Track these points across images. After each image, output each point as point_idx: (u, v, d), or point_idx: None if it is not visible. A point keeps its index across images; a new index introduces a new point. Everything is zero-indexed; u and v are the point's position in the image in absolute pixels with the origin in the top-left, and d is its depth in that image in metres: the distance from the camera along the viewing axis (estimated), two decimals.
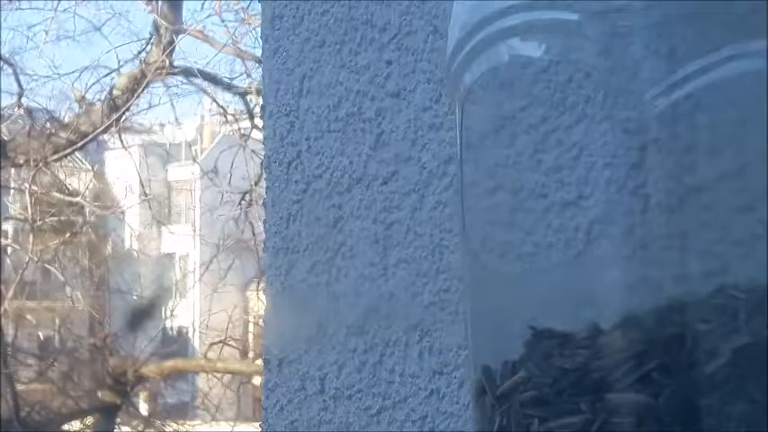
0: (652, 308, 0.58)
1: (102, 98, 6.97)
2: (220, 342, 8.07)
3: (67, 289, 8.46)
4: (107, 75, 7.12)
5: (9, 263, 7.93)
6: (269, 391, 1.00)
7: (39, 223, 7.34)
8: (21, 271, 7.51)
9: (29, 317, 8.62)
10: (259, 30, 1.09)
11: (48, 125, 7.14)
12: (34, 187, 7.10)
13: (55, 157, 6.96)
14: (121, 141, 7.60)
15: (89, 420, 7.91)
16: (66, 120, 7.18)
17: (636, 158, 0.60)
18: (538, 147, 0.64)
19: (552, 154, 0.64)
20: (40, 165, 6.86)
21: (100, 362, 7.76)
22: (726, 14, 0.59)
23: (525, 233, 0.66)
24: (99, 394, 7.58)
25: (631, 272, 0.59)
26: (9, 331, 7.66)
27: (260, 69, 1.34)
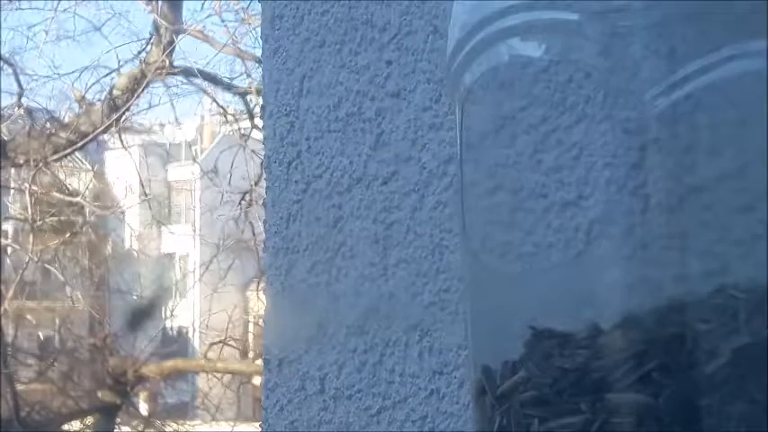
0: (652, 308, 0.58)
1: (102, 98, 6.97)
2: (220, 342, 8.07)
3: (67, 289, 8.46)
4: (107, 75, 7.12)
5: (9, 263, 7.93)
6: (269, 391, 1.00)
7: (39, 223, 7.34)
8: (21, 271, 7.51)
9: (29, 317, 8.62)
10: (259, 30, 1.09)
11: (48, 125, 7.14)
12: (34, 187, 7.10)
13: (55, 157, 6.96)
14: (121, 141, 7.60)
15: (89, 420, 7.91)
16: (66, 120, 7.18)
17: (636, 158, 0.60)
18: (538, 147, 0.64)
19: (552, 154, 0.64)
20: (40, 165, 6.86)
21: (100, 362, 7.76)
22: (726, 14, 0.59)
23: (525, 233, 0.66)
24: (99, 394, 7.58)
25: (631, 272, 0.59)
26: (9, 331, 7.66)
27: (260, 69, 1.34)
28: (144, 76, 6.80)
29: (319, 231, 0.97)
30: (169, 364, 8.00)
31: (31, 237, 7.43)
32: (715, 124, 0.60)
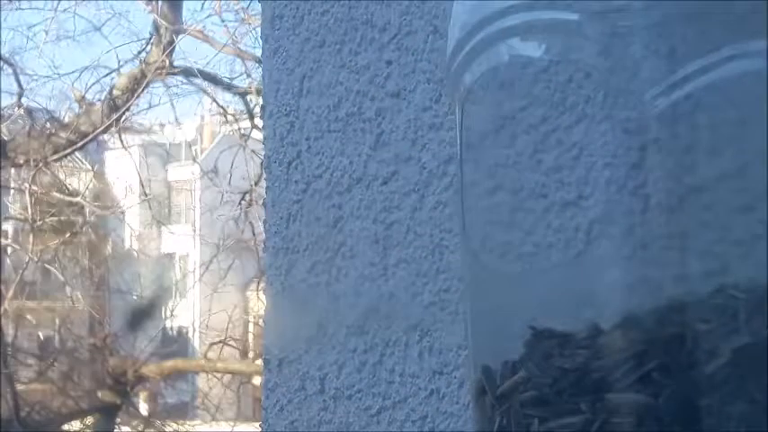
0: (652, 308, 0.58)
1: (102, 98, 6.97)
2: (220, 342, 8.07)
3: (67, 289, 8.46)
4: (107, 75, 7.12)
5: (9, 263, 7.92)
6: (269, 391, 1.00)
7: (39, 223, 7.34)
8: (21, 271, 7.51)
9: (29, 317, 8.61)
10: (259, 30, 1.09)
11: (48, 125, 7.14)
12: (34, 187, 7.10)
13: (55, 157, 6.96)
14: (121, 141, 7.60)
15: (89, 420, 7.91)
16: (67, 120, 7.18)
17: (636, 158, 0.60)
18: (538, 147, 0.64)
19: (552, 154, 0.64)
20: (40, 165, 6.86)
21: (100, 362, 7.76)
22: (726, 14, 0.59)
23: (525, 233, 0.66)
24: (99, 394, 7.58)
25: (631, 272, 0.59)
26: (9, 331, 7.66)
27: (260, 69, 1.34)
28: (144, 76, 6.79)
29: (319, 231, 0.97)
30: (169, 364, 7.99)
31: (31, 237, 7.43)
32: (715, 124, 0.60)
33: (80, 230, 8.04)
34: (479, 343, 0.66)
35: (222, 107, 7.74)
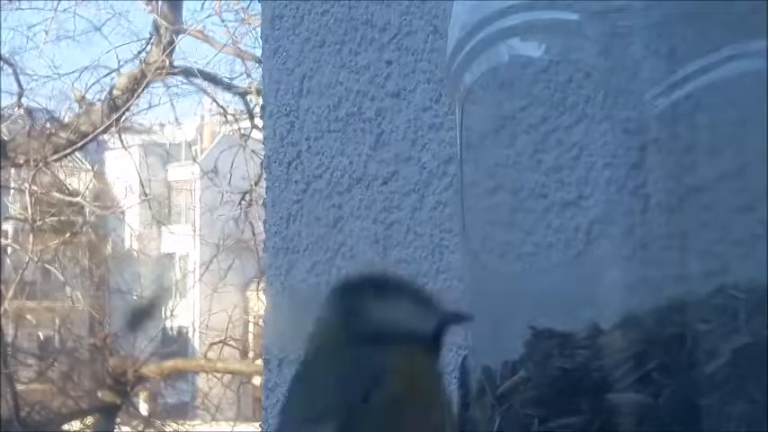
0: (652, 308, 0.58)
1: (102, 98, 6.96)
2: (220, 342, 8.06)
3: (67, 289, 8.46)
4: (107, 75, 7.11)
5: (9, 263, 7.92)
6: (269, 391, 1.00)
7: (39, 223, 7.33)
8: (21, 271, 7.51)
9: (29, 317, 8.61)
10: (259, 30, 1.09)
11: (48, 125, 7.14)
12: (34, 187, 7.10)
13: (55, 157, 6.96)
14: (121, 141, 7.59)
15: (89, 420, 7.91)
16: (67, 120, 7.17)
17: (636, 158, 0.60)
18: (538, 147, 0.64)
19: (552, 154, 0.64)
20: (40, 165, 6.85)
21: (100, 362, 7.76)
22: (726, 14, 0.59)
23: (525, 233, 0.66)
24: (99, 394, 7.58)
25: (631, 272, 0.59)
26: (9, 331, 7.66)
27: (260, 69, 1.34)
28: (144, 76, 6.79)
29: (319, 231, 0.96)
30: (169, 364, 7.99)
31: (31, 237, 7.42)
32: (715, 124, 0.60)
33: (80, 230, 8.04)
34: (479, 343, 0.66)
35: (222, 107, 7.73)
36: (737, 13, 0.59)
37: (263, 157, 1.06)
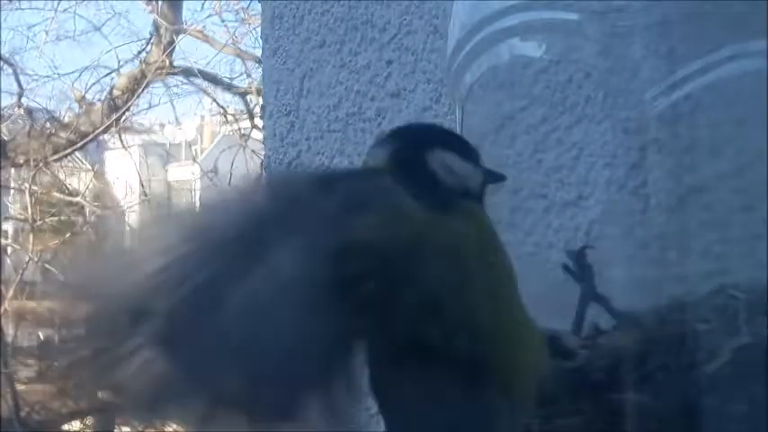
0: (652, 308, 0.58)
1: (102, 98, 6.96)
2: None
3: None
4: (107, 75, 7.10)
5: (9, 263, 7.92)
6: None
7: (39, 223, 7.33)
8: (21, 271, 7.51)
9: (29, 317, 8.60)
10: (259, 30, 1.09)
11: (48, 125, 7.13)
12: (34, 187, 7.09)
13: (55, 157, 6.95)
14: (121, 141, 7.59)
15: (89, 420, 7.91)
16: (66, 120, 7.17)
17: (636, 158, 0.60)
18: (538, 147, 0.64)
19: (552, 154, 0.64)
20: (40, 165, 6.85)
21: None
22: (726, 14, 0.59)
23: (525, 233, 0.66)
24: (99, 394, 7.58)
25: (631, 272, 0.59)
26: (9, 331, 7.66)
27: (260, 69, 1.34)
28: (144, 76, 6.79)
29: None
30: None
31: (31, 237, 7.42)
32: (715, 124, 0.60)
33: (80, 230, 8.04)
34: None
35: (222, 107, 7.73)
36: (737, 13, 0.59)
37: (263, 157, 1.06)
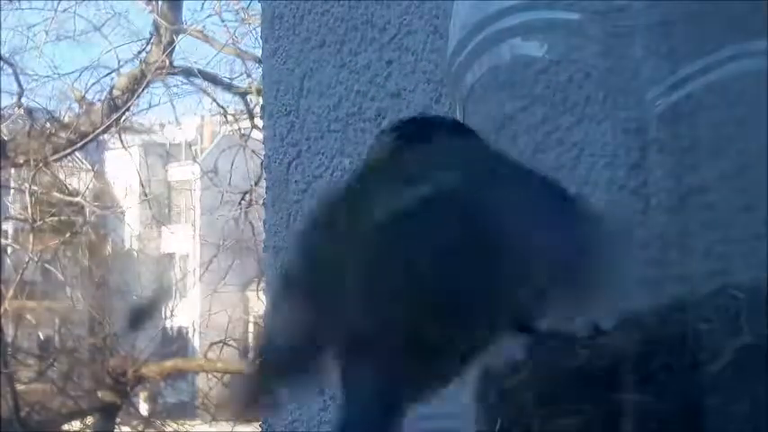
0: (653, 308, 0.58)
1: (102, 98, 6.96)
2: (220, 342, 8.07)
3: (67, 289, 8.46)
4: (107, 75, 7.11)
5: (9, 263, 7.92)
6: None
7: (39, 223, 7.33)
8: (21, 271, 7.51)
9: (29, 317, 8.61)
10: (259, 30, 1.09)
11: (48, 125, 7.14)
12: (34, 187, 7.10)
13: (55, 157, 6.96)
14: (121, 141, 7.59)
15: (89, 420, 7.91)
16: (66, 120, 7.17)
17: (636, 158, 0.60)
18: (538, 147, 0.64)
19: (552, 154, 0.64)
20: (40, 165, 6.85)
21: (100, 362, 7.76)
22: (726, 14, 0.59)
23: None
24: (99, 394, 7.58)
25: (631, 272, 0.59)
26: (9, 331, 7.66)
27: (260, 69, 1.34)
28: (144, 76, 6.79)
29: None
30: (169, 364, 7.99)
31: (31, 237, 7.42)
32: (715, 124, 0.60)
33: (80, 230, 8.04)
34: None
35: (222, 107, 7.73)
36: (738, 13, 0.59)
37: (263, 157, 1.06)
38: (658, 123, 0.59)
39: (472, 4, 0.66)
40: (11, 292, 7.37)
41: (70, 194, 7.77)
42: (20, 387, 7.29)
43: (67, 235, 7.86)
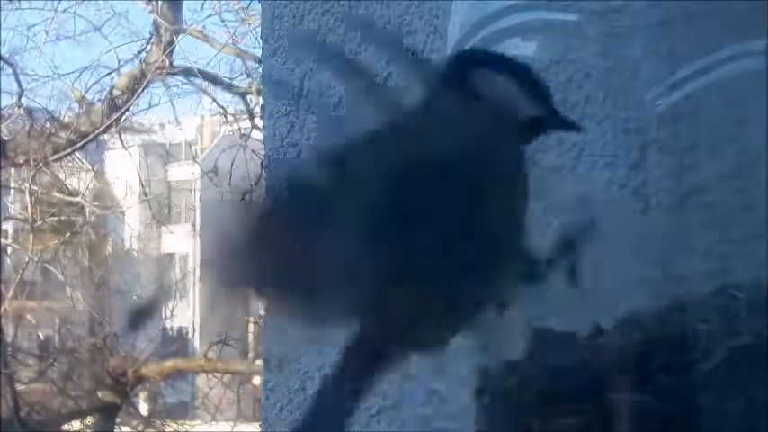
0: (652, 308, 0.58)
1: (102, 98, 6.96)
2: (220, 342, 8.07)
3: (67, 289, 8.46)
4: (107, 75, 7.11)
5: (9, 263, 7.92)
6: (269, 392, 1.00)
7: (39, 223, 7.33)
8: (21, 271, 7.51)
9: (29, 317, 8.61)
10: (259, 30, 1.08)
11: (48, 125, 7.13)
12: (34, 187, 7.10)
13: (55, 157, 6.96)
14: (121, 141, 7.59)
15: (89, 420, 7.91)
16: (66, 120, 7.17)
17: (636, 158, 0.60)
18: (538, 146, 0.64)
19: (552, 154, 0.64)
20: (40, 165, 6.85)
21: (100, 362, 7.76)
22: (726, 14, 0.59)
23: None
24: (99, 394, 7.58)
25: (631, 272, 0.59)
26: (9, 331, 7.66)
27: (260, 69, 1.34)
28: (144, 76, 6.79)
29: None
30: (169, 364, 7.99)
31: (31, 237, 7.42)
32: (716, 124, 0.60)
33: (80, 230, 8.04)
34: (480, 343, 0.66)
35: (222, 107, 7.73)
36: (738, 13, 0.59)
37: (263, 157, 1.06)
38: (658, 123, 0.59)
39: (471, 4, 0.66)
40: (11, 292, 7.37)
41: (70, 194, 7.77)
42: (20, 387, 7.29)
43: (67, 235, 7.86)
